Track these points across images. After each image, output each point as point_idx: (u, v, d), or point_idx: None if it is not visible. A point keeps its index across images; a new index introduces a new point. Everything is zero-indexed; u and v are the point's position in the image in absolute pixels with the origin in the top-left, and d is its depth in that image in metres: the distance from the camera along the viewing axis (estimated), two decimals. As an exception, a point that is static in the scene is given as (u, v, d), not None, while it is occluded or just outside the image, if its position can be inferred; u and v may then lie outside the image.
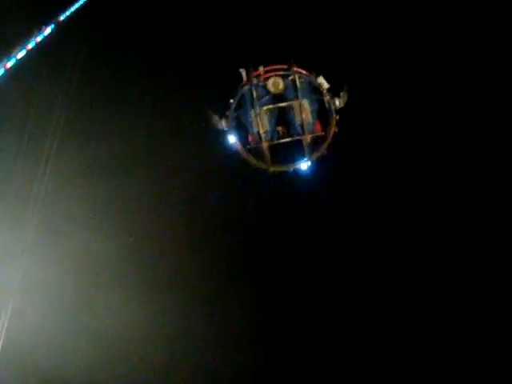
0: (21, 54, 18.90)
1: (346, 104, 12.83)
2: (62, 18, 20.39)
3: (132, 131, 19.86)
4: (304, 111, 11.95)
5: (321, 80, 12.65)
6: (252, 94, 12.04)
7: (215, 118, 12.55)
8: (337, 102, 12.49)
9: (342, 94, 12.55)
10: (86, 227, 18.39)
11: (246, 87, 12.28)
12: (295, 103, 12.08)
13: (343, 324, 18.25)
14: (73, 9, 20.67)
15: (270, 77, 12.30)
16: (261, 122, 11.87)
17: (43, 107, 19.39)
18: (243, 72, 12.65)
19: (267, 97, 12.27)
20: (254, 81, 12.18)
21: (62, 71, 20.50)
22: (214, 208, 19.58)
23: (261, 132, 12.10)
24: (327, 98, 12.50)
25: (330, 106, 12.48)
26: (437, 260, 18.65)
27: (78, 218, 18.45)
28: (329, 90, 12.72)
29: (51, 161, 18.37)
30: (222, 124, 12.37)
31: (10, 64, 18.62)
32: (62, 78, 20.23)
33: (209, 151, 18.03)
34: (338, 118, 12.60)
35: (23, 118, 18.78)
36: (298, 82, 12.11)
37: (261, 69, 12.53)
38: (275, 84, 12.11)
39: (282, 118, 12.87)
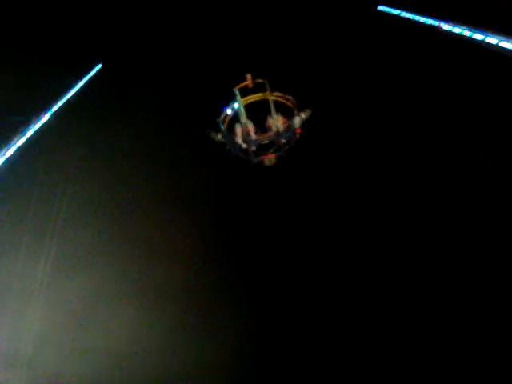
0: (20, 142, 19.08)
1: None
2: (59, 106, 20.97)
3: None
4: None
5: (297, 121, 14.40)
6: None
7: (213, 133, 14.30)
8: (298, 120, 14.36)
9: (305, 113, 14.45)
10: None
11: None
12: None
13: (332, 327, 17.90)
14: (69, 97, 21.33)
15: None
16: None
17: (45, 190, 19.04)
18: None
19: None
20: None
21: (62, 156, 20.51)
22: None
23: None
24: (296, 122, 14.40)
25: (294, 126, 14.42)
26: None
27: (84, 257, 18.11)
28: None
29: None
30: (218, 137, 14.29)
31: (10, 152, 18.69)
32: (61, 164, 20.27)
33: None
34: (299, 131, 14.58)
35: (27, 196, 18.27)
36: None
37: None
38: None
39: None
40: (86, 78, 22.34)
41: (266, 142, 13.94)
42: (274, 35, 24.50)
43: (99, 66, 23.53)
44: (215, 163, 19.76)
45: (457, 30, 20.27)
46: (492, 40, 18.06)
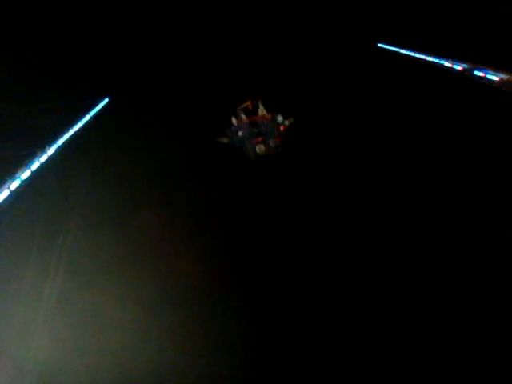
0: (25, 175, 18.98)
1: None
2: (64, 139, 20.99)
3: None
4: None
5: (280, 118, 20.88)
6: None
7: (224, 139, 20.16)
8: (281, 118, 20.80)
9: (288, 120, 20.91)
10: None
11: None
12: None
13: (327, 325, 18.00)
14: (75, 130, 21.38)
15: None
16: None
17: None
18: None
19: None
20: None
21: (68, 187, 20.50)
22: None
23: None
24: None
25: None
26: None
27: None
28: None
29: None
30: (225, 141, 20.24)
31: (14, 185, 18.57)
32: (66, 195, 20.26)
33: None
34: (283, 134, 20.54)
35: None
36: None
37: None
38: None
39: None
40: (94, 112, 22.54)
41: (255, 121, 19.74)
42: (279, 67, 26.02)
43: (106, 99, 23.83)
44: (215, 185, 21.99)
45: (458, 67, 20.85)
46: (494, 76, 18.60)
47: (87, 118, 22.14)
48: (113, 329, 17.23)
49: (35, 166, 19.46)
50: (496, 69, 18.74)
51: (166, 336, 17.42)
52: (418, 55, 25.00)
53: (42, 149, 19.87)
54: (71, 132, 21.15)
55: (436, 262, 18.33)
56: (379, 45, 27.83)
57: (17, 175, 18.80)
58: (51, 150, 20.17)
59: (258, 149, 18.85)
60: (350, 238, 19.89)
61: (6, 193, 18.02)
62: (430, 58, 23.75)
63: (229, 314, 18.01)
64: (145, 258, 19.60)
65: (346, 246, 19.65)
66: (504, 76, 18.23)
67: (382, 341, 17.06)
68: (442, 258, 18.36)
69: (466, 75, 20.35)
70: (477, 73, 19.67)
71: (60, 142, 20.97)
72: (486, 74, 19.10)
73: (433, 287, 17.87)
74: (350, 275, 18.83)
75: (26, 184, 18.78)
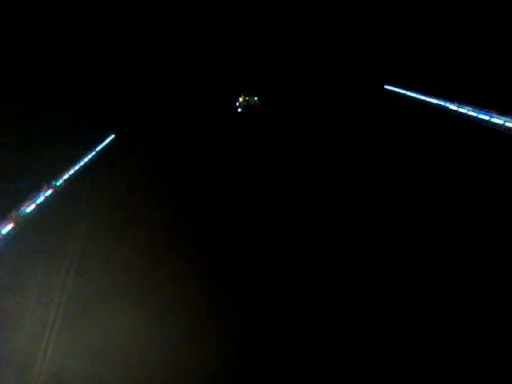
0: (30, 208, 19.18)
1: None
2: (69, 173, 21.31)
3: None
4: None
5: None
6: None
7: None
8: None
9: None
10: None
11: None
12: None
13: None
14: (81, 165, 21.73)
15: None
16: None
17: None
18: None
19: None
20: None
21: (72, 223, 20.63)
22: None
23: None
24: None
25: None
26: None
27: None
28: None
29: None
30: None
31: (19, 218, 18.73)
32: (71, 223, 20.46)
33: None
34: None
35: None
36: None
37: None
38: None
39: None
40: (99, 147, 22.99)
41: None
42: (288, 108, 26.70)
43: (112, 136, 24.37)
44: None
45: (462, 110, 20.96)
46: (497, 120, 18.61)
47: (93, 153, 22.58)
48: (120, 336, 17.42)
49: (40, 199, 19.76)
50: (500, 112, 18.79)
51: (173, 341, 17.52)
52: (423, 97, 25.22)
53: (48, 183, 20.20)
54: (77, 167, 21.53)
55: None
56: (386, 87, 28.18)
57: (22, 208, 19.05)
58: (56, 184, 20.51)
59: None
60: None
61: (10, 225, 18.25)
62: (435, 101, 23.95)
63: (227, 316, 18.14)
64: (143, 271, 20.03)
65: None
66: (508, 120, 18.24)
67: (379, 340, 16.82)
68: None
69: (470, 118, 20.42)
70: (481, 116, 19.73)
71: (66, 176, 21.34)
72: (491, 117, 19.14)
73: (423, 285, 17.81)
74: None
75: (30, 217, 19.01)
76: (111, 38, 24.31)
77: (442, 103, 22.68)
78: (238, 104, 36.24)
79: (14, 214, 18.58)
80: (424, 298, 17.66)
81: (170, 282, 19.44)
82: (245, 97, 38.18)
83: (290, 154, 25.47)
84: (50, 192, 20.12)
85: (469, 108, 20.52)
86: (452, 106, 21.74)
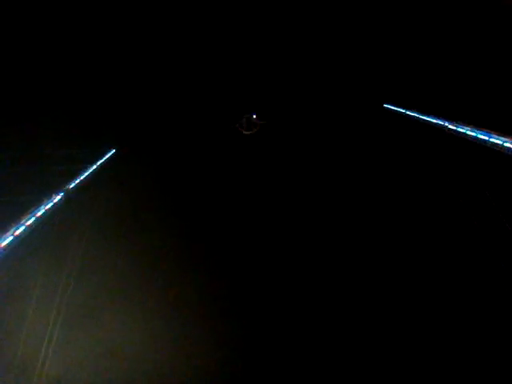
0: (30, 221, 19.13)
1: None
2: (70, 187, 21.30)
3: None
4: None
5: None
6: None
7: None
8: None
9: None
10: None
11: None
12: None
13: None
14: (81, 178, 21.75)
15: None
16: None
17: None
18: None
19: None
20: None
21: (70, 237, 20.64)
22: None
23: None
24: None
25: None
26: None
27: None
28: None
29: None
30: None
31: (18, 231, 18.68)
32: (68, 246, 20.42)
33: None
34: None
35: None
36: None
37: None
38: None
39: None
40: (100, 162, 23.10)
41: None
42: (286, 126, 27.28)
43: (113, 151, 24.53)
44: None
45: (461, 129, 21.11)
46: (496, 141, 18.75)
47: (94, 167, 22.64)
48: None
49: (40, 212, 19.73)
50: (499, 133, 18.94)
51: (172, 345, 17.53)
52: (423, 117, 25.40)
53: (49, 196, 20.20)
54: (77, 181, 21.55)
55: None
56: (385, 105, 28.41)
57: (22, 221, 19.01)
58: (57, 198, 20.50)
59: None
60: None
61: (10, 238, 18.20)
62: (434, 120, 24.11)
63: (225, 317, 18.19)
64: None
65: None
66: (507, 140, 18.38)
67: (378, 340, 16.93)
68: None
69: (468, 138, 20.57)
70: (480, 136, 19.86)
71: (66, 189, 21.34)
72: (489, 137, 19.27)
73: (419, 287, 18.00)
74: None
75: (30, 230, 18.96)
76: (112, 52, 24.54)
77: (441, 123, 22.88)
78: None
79: (13, 225, 18.60)
80: (419, 300, 17.80)
81: (168, 288, 19.59)
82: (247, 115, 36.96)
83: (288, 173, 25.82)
84: (50, 205, 20.15)
85: (468, 128, 20.70)
86: (451, 126, 21.93)
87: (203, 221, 23.62)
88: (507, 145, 18.15)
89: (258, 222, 23.02)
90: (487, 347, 16.06)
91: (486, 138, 19.53)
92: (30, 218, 19.21)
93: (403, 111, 27.04)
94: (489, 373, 15.45)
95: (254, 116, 33.56)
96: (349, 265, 20.65)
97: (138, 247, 21.63)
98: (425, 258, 20.38)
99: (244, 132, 29.87)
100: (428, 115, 24.82)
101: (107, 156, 24.08)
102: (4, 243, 17.44)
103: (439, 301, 18.32)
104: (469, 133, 20.74)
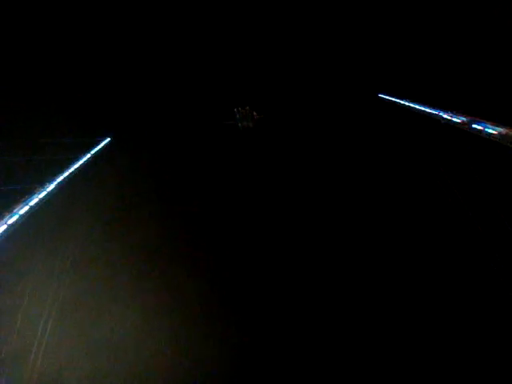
0: (23, 210, 18.95)
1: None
2: (64, 176, 21.07)
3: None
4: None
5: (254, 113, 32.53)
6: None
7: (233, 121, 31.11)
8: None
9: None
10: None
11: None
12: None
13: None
14: (75, 167, 21.51)
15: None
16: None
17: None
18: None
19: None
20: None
21: (66, 225, 20.46)
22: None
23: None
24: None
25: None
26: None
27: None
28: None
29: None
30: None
31: (11, 220, 18.49)
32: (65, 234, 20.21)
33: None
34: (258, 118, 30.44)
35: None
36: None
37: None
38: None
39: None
40: (95, 150, 22.83)
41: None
42: (281, 116, 26.89)
43: (108, 139, 24.21)
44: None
45: (456, 119, 21.14)
46: (491, 130, 18.81)
47: (88, 156, 22.38)
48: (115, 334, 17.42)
49: (33, 201, 19.53)
50: (495, 123, 19.00)
51: (167, 339, 17.57)
52: (418, 106, 25.41)
53: (42, 185, 19.97)
54: (72, 169, 21.31)
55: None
56: (380, 95, 28.38)
57: (15, 210, 18.83)
58: (51, 187, 20.28)
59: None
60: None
61: (3, 227, 18.05)
62: (429, 110, 24.13)
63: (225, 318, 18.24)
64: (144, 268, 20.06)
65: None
66: (502, 130, 18.45)
67: (379, 340, 17.03)
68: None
69: (464, 128, 20.61)
70: (475, 126, 19.91)
71: (60, 179, 21.12)
72: (485, 127, 19.33)
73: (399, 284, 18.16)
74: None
75: (23, 219, 18.79)
76: (110, 46, 24.31)
77: (436, 112, 22.90)
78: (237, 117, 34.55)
79: (6, 215, 18.43)
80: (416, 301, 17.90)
81: (166, 282, 19.56)
82: (243, 109, 36.34)
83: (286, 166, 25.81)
84: (43, 194, 19.92)
85: (463, 117, 20.73)
86: (446, 116, 21.95)
87: (202, 217, 23.50)
88: (501, 134, 18.29)
89: (255, 216, 22.96)
90: (484, 343, 16.22)
91: (481, 127, 19.64)
92: (22, 207, 19.06)
93: (397, 100, 27.07)
94: (489, 373, 15.60)
95: (247, 108, 33.95)
96: (343, 254, 20.72)
97: (134, 239, 21.50)
98: (419, 246, 20.51)
99: (240, 124, 29.85)
100: (421, 104, 24.86)
101: (102, 144, 23.79)
102: (-3, 233, 17.37)
103: (434, 295, 18.46)
104: (459, 120, 20.85)
